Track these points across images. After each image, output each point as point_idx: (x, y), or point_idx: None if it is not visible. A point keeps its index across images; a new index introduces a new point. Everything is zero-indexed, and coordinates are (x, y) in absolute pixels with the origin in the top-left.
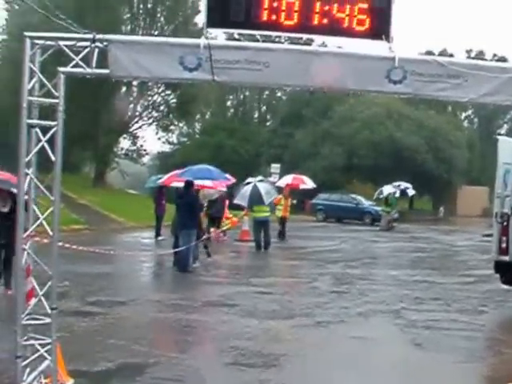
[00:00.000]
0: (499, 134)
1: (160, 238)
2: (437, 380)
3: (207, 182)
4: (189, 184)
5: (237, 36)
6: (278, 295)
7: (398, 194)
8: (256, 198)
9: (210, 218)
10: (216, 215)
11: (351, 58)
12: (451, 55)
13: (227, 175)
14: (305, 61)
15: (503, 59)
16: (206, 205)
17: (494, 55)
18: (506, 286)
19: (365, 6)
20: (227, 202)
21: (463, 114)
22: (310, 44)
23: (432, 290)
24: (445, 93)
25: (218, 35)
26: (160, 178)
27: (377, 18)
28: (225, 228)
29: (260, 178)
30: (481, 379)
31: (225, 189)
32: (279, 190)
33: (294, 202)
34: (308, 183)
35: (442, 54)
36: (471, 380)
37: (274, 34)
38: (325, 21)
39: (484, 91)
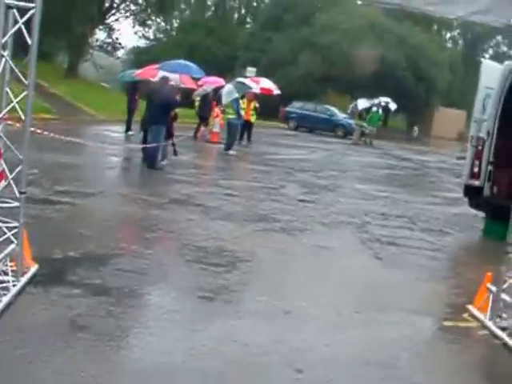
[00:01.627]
0: (483, 58)
1: (130, 132)
2: (397, 295)
3: (186, 78)
4: (164, 79)
5: None
6: (243, 198)
7: (380, 111)
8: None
9: (199, 117)
10: (202, 115)
11: None
12: None
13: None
14: None
15: None
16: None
17: None
18: (473, 211)
19: None
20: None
21: (448, 35)
22: None
23: (399, 208)
24: (433, 7)
25: None
26: (134, 73)
27: None
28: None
29: (239, 79)
30: (441, 298)
31: (210, 88)
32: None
33: (257, 105)
34: (265, 85)
35: None
36: (430, 297)
37: None
38: None
39: (473, 9)
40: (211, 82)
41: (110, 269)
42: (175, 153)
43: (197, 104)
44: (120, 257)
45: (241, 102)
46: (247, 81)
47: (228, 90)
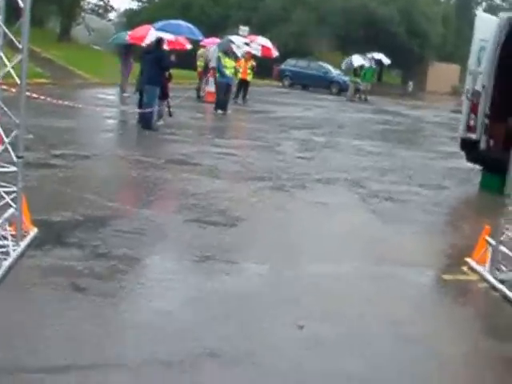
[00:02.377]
0: (476, 11)
1: (125, 94)
2: (394, 248)
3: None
4: (159, 40)
5: None
6: (240, 157)
7: (374, 65)
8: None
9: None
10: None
11: None
12: None
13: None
14: None
15: None
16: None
17: None
18: (470, 164)
19: None
20: None
21: None
22: None
23: (395, 163)
24: None
25: None
26: (127, 35)
27: None
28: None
29: (230, 37)
30: (440, 251)
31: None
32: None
33: (254, 64)
34: (263, 42)
35: None
36: (429, 251)
37: None
38: None
39: None
40: (212, 43)
41: (108, 230)
42: (170, 114)
43: (199, 64)
44: (118, 218)
45: (224, 60)
46: (235, 37)
47: (213, 49)
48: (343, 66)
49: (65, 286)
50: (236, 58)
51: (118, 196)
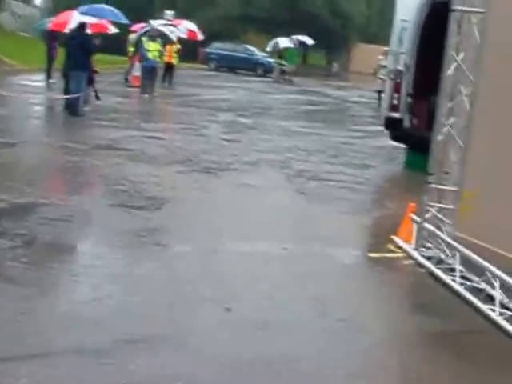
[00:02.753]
0: None
1: (51, 80)
2: (320, 227)
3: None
4: (82, 24)
5: None
6: (167, 141)
7: (298, 47)
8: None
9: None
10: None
11: None
12: None
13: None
14: None
15: None
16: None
17: None
18: (394, 143)
19: None
20: None
21: None
22: None
23: (320, 143)
24: None
25: None
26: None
27: None
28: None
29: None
30: (366, 230)
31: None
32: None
33: (179, 47)
34: (189, 26)
35: None
36: (355, 230)
37: None
38: None
39: None
40: (141, 28)
41: (35, 218)
42: (98, 98)
43: (130, 49)
44: (45, 205)
45: (147, 44)
46: (155, 22)
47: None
48: (269, 49)
49: None
50: (168, 41)
51: (44, 183)
